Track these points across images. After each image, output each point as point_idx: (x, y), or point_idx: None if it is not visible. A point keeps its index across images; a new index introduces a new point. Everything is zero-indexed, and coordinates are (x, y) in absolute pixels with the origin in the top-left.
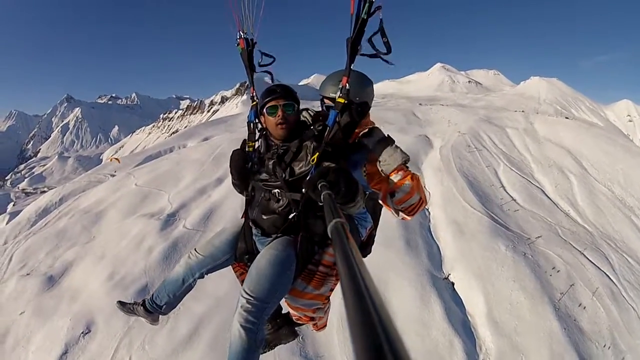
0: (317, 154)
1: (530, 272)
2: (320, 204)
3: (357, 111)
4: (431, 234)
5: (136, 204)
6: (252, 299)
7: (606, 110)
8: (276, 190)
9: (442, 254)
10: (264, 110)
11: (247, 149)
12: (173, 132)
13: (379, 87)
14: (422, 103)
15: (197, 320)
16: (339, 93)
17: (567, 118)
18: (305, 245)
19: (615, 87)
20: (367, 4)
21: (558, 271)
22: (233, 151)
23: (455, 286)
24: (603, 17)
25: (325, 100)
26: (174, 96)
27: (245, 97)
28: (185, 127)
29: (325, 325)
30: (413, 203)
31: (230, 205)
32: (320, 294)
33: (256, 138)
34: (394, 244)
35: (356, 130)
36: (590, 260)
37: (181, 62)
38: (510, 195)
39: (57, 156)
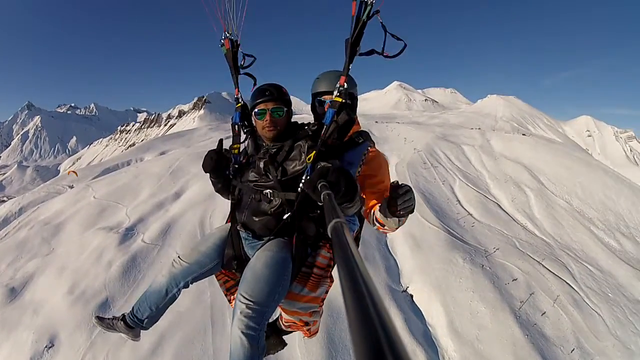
0: (314, 152)
1: (489, 283)
2: (320, 203)
3: (352, 110)
4: (388, 249)
5: (95, 217)
6: (251, 303)
7: (565, 126)
8: (268, 191)
9: (400, 268)
10: (253, 112)
11: (232, 152)
12: (130, 145)
13: None
14: (379, 121)
15: (160, 335)
16: (336, 92)
17: (523, 135)
18: (300, 246)
19: (577, 103)
20: (367, 8)
21: (517, 281)
22: (208, 152)
23: (414, 298)
24: (566, 35)
25: (325, 97)
26: (132, 109)
27: (202, 111)
28: (142, 140)
29: (317, 331)
30: (390, 229)
31: (188, 220)
32: (317, 296)
33: (242, 140)
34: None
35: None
36: (549, 270)
37: (139, 74)
38: (467, 210)
39: (16, 165)
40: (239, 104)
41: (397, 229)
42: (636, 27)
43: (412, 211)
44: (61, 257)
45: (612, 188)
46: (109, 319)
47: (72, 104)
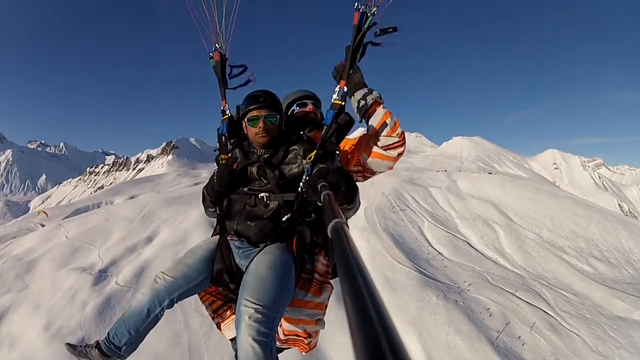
0: (315, 152)
1: (464, 317)
2: (320, 204)
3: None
4: None
5: (67, 257)
6: (260, 307)
7: (531, 161)
8: (263, 195)
9: None
10: (245, 118)
11: (219, 161)
12: (99, 187)
13: None
14: None
15: None
16: (335, 96)
17: (490, 173)
18: (301, 249)
19: (542, 137)
20: (368, 19)
21: (491, 313)
22: (220, 166)
23: None
24: (527, 73)
25: (305, 100)
26: (100, 150)
27: (170, 157)
28: (111, 183)
29: (316, 345)
30: (399, 133)
31: (161, 263)
32: (321, 302)
33: (228, 150)
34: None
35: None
36: (523, 300)
37: (109, 116)
38: (437, 250)
39: None
40: (226, 116)
41: (394, 131)
42: (595, 60)
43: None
44: (35, 294)
45: (581, 216)
46: (81, 346)
47: (43, 141)
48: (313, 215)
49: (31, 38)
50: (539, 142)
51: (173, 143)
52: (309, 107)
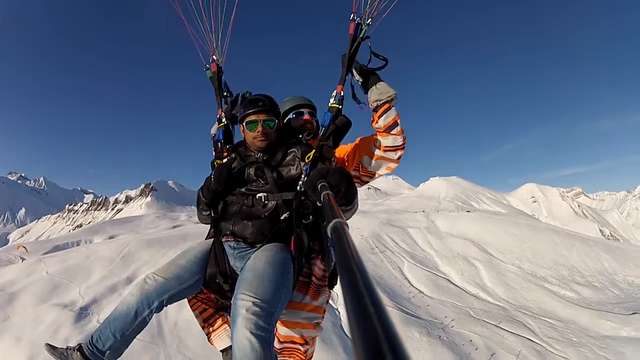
0: (313, 151)
1: (449, 351)
2: (319, 204)
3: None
4: (344, 331)
5: (49, 292)
6: (258, 300)
7: (509, 197)
8: (261, 195)
9: None
10: (243, 122)
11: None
12: (77, 226)
13: None
14: None
15: None
16: (332, 100)
17: (468, 211)
18: (299, 249)
19: (519, 172)
20: (363, 30)
21: (476, 346)
22: (219, 165)
23: None
24: (498, 112)
25: (302, 109)
26: (79, 188)
27: (149, 199)
28: (90, 222)
29: (312, 355)
30: (404, 136)
31: None
32: (319, 305)
33: (224, 156)
34: None
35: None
36: (507, 330)
37: (88, 155)
38: (417, 289)
39: None
40: (222, 124)
41: (396, 135)
42: (568, 93)
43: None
44: (17, 326)
45: (561, 244)
46: (62, 348)
47: (23, 174)
48: (310, 217)
49: (14, 70)
50: (516, 177)
51: (152, 185)
52: (306, 117)
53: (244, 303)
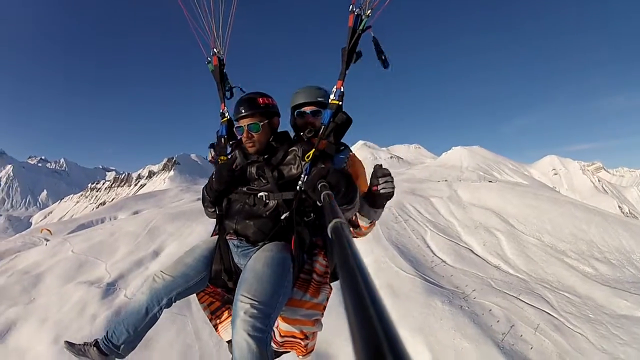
0: (313, 150)
1: (470, 321)
2: (320, 204)
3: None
4: None
5: (74, 271)
6: (255, 302)
7: (530, 168)
8: (262, 194)
9: None
10: (234, 128)
11: (219, 163)
12: (101, 203)
13: None
14: None
15: None
16: (332, 96)
17: (490, 182)
18: (299, 248)
19: (540, 145)
20: (363, 21)
21: (496, 317)
22: (219, 165)
23: None
24: (522, 81)
25: (305, 108)
26: (101, 167)
27: (172, 173)
28: (113, 199)
29: (313, 349)
30: (364, 228)
31: None
32: (319, 302)
33: (228, 152)
34: (333, 311)
35: None
36: (527, 303)
37: (109, 133)
38: (440, 258)
39: None
40: (225, 118)
41: (369, 229)
42: (589, 66)
43: (390, 196)
44: (43, 307)
45: (581, 219)
46: (80, 344)
47: (43, 157)
48: (312, 215)
49: (31, 54)
50: (536, 150)
51: (174, 159)
52: (306, 119)
53: (242, 305)
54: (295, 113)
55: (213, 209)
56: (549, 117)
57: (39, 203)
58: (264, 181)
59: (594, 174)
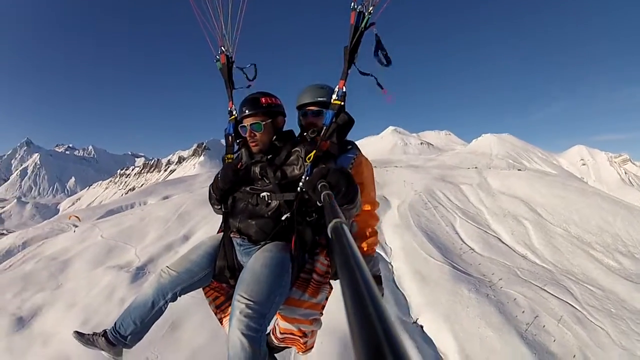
0: (314, 152)
1: (495, 310)
2: (320, 204)
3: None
4: (396, 285)
5: (103, 256)
6: (251, 303)
7: (559, 157)
8: (265, 194)
9: (409, 302)
10: (239, 127)
11: (225, 161)
12: (130, 189)
13: None
14: (377, 165)
15: None
16: (334, 96)
17: (519, 170)
18: (299, 249)
19: (569, 134)
20: (365, 19)
21: (521, 307)
22: (225, 165)
23: (424, 328)
24: (551, 67)
25: (308, 108)
26: (130, 153)
27: (202, 158)
28: (142, 184)
29: (313, 346)
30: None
31: None
32: (317, 302)
33: (235, 150)
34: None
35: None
36: (551, 294)
37: (138, 119)
38: (469, 246)
39: (15, 200)
40: (233, 117)
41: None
42: (618, 54)
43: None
44: (70, 292)
45: (608, 211)
46: (88, 334)
47: (70, 145)
48: (314, 215)
49: (56, 43)
50: (564, 138)
51: (204, 144)
52: (309, 119)
53: (238, 305)
54: (300, 113)
55: (219, 207)
56: (579, 105)
57: (67, 190)
58: (266, 181)
59: (620, 166)
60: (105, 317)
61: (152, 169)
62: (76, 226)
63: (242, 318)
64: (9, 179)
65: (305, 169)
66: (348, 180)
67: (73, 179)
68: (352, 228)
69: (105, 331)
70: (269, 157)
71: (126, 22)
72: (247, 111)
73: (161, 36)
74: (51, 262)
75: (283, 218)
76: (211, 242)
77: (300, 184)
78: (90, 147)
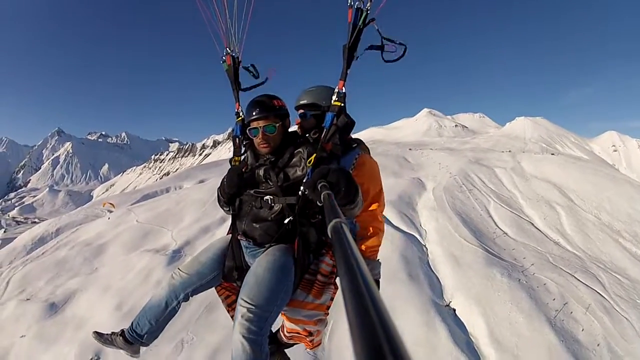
0: (315, 155)
1: (526, 295)
2: (320, 204)
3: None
4: (430, 267)
5: (139, 240)
6: (252, 307)
7: (591, 143)
8: (268, 197)
9: (442, 284)
10: (247, 129)
11: (232, 164)
12: (164, 174)
13: (366, 134)
14: (412, 148)
15: (213, 350)
16: (334, 97)
17: (552, 154)
18: (302, 251)
19: (599, 118)
20: (363, 14)
21: (551, 293)
22: (230, 169)
23: (456, 312)
24: (583, 50)
25: (301, 110)
26: (164, 138)
27: None
28: (177, 169)
29: (320, 343)
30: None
31: None
32: (322, 303)
33: (242, 152)
34: (397, 277)
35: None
36: (581, 281)
37: (171, 105)
38: (502, 230)
39: (47, 188)
40: (240, 118)
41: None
42: None
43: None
44: (105, 276)
45: (637, 200)
46: (107, 334)
47: (103, 132)
48: (319, 216)
49: (85, 30)
50: (597, 122)
51: None
52: (296, 121)
53: (241, 309)
54: (299, 113)
55: (227, 209)
56: (611, 87)
57: (100, 177)
58: (270, 184)
59: None
60: (140, 300)
61: (187, 153)
62: (111, 212)
63: (243, 322)
64: (40, 168)
65: (307, 173)
66: (348, 180)
67: (106, 165)
68: (354, 228)
69: (122, 331)
70: (272, 159)
71: (161, 5)
72: (259, 114)
73: (192, 19)
74: (85, 248)
75: (286, 222)
76: (220, 244)
77: (302, 186)
78: (124, 134)
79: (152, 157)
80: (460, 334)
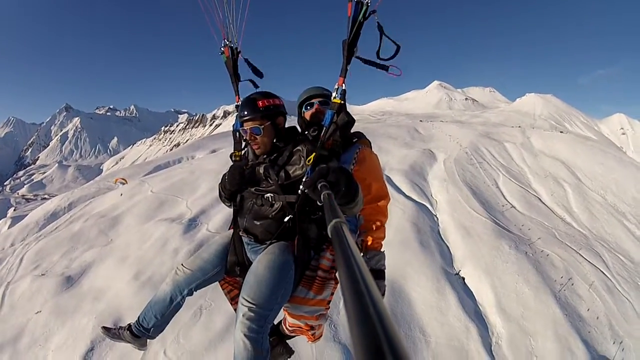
0: (314, 154)
1: (532, 268)
2: (320, 204)
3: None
4: (441, 237)
5: (154, 210)
6: (253, 306)
7: (600, 124)
8: (269, 195)
9: (452, 254)
10: (240, 129)
11: (233, 158)
12: (175, 145)
13: (377, 105)
14: (423, 120)
15: (230, 316)
16: (334, 94)
17: (561, 132)
18: (302, 249)
19: (610, 101)
20: (363, 8)
21: (556, 267)
22: (232, 166)
23: (465, 281)
24: (600, 32)
25: (312, 100)
26: (173, 110)
27: None
28: (187, 140)
29: (322, 335)
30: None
31: None
32: (323, 299)
33: (242, 147)
34: (409, 245)
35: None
36: (585, 259)
37: (178, 76)
38: (510, 203)
39: (56, 164)
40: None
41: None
42: None
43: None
44: (121, 247)
45: None
46: (114, 328)
47: (111, 106)
48: (319, 213)
49: (90, 5)
50: (608, 104)
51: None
52: (315, 107)
53: (242, 307)
54: (305, 106)
55: (229, 204)
56: (626, 71)
57: (110, 150)
58: (270, 182)
59: None
60: (159, 268)
61: (197, 124)
62: (124, 183)
63: (244, 321)
64: (48, 145)
65: (306, 172)
66: (348, 180)
67: (115, 139)
68: (359, 221)
69: (129, 325)
70: (272, 157)
71: None
72: (245, 116)
73: None
74: (100, 220)
75: (286, 220)
76: (222, 240)
77: (301, 186)
78: (132, 107)
79: (162, 128)
80: (469, 301)
